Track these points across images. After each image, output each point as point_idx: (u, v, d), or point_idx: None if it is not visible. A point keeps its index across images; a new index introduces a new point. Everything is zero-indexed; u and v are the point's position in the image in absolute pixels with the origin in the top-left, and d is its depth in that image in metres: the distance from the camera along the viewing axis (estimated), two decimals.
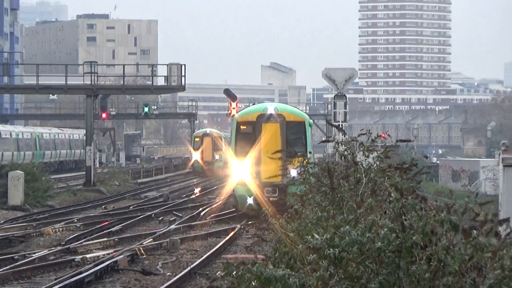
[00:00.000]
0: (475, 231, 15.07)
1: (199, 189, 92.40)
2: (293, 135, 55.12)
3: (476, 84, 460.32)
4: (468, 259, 14.25)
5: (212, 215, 61.47)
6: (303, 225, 18.89)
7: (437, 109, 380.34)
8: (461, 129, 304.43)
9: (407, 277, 13.89)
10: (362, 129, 31.49)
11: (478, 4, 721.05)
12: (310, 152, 53.91)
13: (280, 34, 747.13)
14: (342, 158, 26.06)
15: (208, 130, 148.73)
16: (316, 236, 14.99)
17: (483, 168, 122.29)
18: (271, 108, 55.34)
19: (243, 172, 53.56)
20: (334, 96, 59.65)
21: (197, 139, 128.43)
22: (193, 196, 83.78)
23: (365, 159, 24.83)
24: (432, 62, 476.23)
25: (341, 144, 28.14)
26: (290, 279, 14.99)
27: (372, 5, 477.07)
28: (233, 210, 63.15)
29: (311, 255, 14.83)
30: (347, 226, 14.79)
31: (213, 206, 67.00)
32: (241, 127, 55.82)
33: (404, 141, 46.19)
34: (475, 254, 14.43)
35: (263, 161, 52.74)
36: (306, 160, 34.82)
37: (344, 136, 30.43)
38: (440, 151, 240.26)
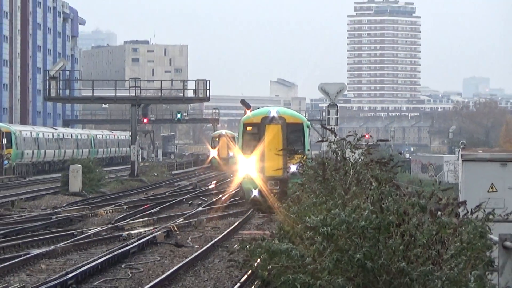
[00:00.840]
0: (439, 212, 15.06)
1: (215, 181, 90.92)
2: (293, 135, 52.31)
3: (440, 95, 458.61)
4: (434, 234, 14.26)
5: (228, 200, 60.30)
6: (302, 208, 18.84)
7: (409, 116, 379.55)
8: (428, 131, 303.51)
9: (385, 249, 13.82)
10: (350, 132, 31.58)
11: (442, 32, 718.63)
12: (308, 150, 52.83)
13: (285, 54, 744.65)
14: (334, 154, 26.02)
15: (223, 131, 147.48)
16: (312, 217, 14.95)
17: (446, 162, 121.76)
18: (273, 111, 53.05)
19: (249, 168, 51.19)
20: (328, 105, 57.82)
21: (215, 139, 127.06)
22: (212, 186, 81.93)
23: (352, 155, 24.76)
24: (405, 78, 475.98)
25: (333, 143, 28.05)
26: (292, 251, 15.01)
27: (358, 33, 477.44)
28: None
29: (308, 232, 14.80)
30: (337, 209, 14.75)
31: (228, 194, 64.62)
32: (247, 128, 52.99)
33: (383, 140, 46.73)
34: (439, 230, 14.41)
35: (267, 157, 50.84)
36: (305, 156, 35.15)
37: (335, 137, 30.34)
38: (411, 149, 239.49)
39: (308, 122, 55.92)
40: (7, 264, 31.36)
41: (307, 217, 15.50)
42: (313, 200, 18.51)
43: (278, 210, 33.48)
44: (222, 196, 63.23)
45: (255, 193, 50.37)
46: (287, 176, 48.23)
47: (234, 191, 64.05)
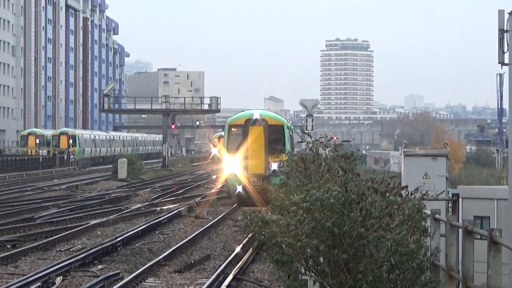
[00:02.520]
0: (387, 193, 15.02)
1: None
2: (274, 136, 44.45)
3: (388, 108, 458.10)
4: (384, 209, 14.20)
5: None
6: (288, 189, 18.46)
7: (365, 123, 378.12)
8: (379, 134, 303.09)
9: (348, 219, 13.72)
10: (321, 135, 31.28)
11: (388, 61, 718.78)
12: (292, 149, 44.51)
13: (274, 77, 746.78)
14: (311, 151, 25.98)
15: (223, 133, 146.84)
16: (296, 196, 14.92)
17: (392, 157, 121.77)
18: (256, 114, 45.07)
19: (234, 166, 43.61)
20: (306, 115, 53.41)
21: (215, 139, 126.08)
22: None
23: (324, 152, 24.72)
24: (362, 95, 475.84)
25: (310, 143, 27.99)
26: (280, 221, 14.92)
27: (328, 62, 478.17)
28: None
29: (292, 207, 14.72)
30: (314, 190, 14.69)
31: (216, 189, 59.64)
32: (232, 129, 45.11)
33: (346, 141, 47.95)
34: (387, 206, 14.38)
35: (250, 156, 43.55)
36: (285, 155, 34.06)
37: (311, 139, 30.48)
38: (367, 147, 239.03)
39: (289, 124, 48.33)
40: (73, 231, 31.64)
41: (292, 196, 15.43)
42: (296, 184, 18.46)
43: (261, 203, 36.25)
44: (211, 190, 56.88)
45: (239, 189, 42.98)
46: (269, 173, 42.87)
47: (220, 186, 54.71)
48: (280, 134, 44.37)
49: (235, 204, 43.46)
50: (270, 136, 43.80)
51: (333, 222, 13.88)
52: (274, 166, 41.24)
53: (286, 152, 35.72)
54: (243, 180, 42.64)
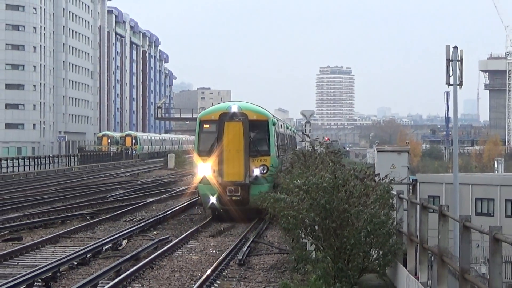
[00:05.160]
0: (365, 179, 14.94)
1: None
2: (256, 134, 27.10)
3: (365, 116, 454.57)
4: (362, 190, 14.18)
5: None
6: (292, 176, 17.97)
7: (348, 127, 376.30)
8: (359, 136, 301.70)
9: (336, 198, 13.61)
10: (317, 137, 31.30)
11: (365, 81, 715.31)
12: (279, 155, 28.65)
13: (282, 93, 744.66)
14: (309, 148, 25.92)
15: None
16: (298, 181, 14.91)
17: (368, 152, 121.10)
18: (234, 107, 26.88)
19: (206, 171, 26.22)
20: (305, 122, 51.00)
21: None
22: None
23: (319, 149, 24.65)
24: (347, 107, 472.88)
25: (308, 142, 27.88)
26: (287, 199, 14.88)
27: (321, 82, 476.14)
28: None
29: (296, 189, 14.68)
30: (311, 177, 14.64)
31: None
32: (204, 125, 27.17)
33: (334, 141, 45.94)
34: (365, 188, 14.32)
35: (226, 160, 25.82)
36: (269, 157, 25.65)
37: (309, 139, 30.24)
38: (350, 145, 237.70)
39: (274, 119, 28.32)
40: (135, 206, 31.61)
41: (295, 181, 15.43)
42: (298, 172, 18.27)
43: (241, 218, 25.37)
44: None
45: (213, 200, 25.85)
46: (249, 181, 25.70)
47: (192, 195, 36.44)
48: (263, 132, 27.02)
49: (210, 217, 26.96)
50: (252, 134, 26.65)
51: (325, 200, 13.75)
52: (256, 171, 25.56)
53: (271, 154, 25.79)
54: (217, 189, 25.85)
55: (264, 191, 21.25)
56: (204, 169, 25.81)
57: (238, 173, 25.63)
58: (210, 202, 25.69)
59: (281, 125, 32.74)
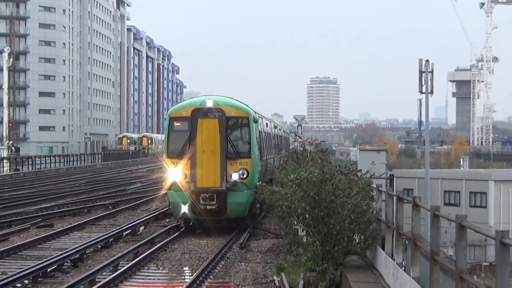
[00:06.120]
0: (348, 174, 14.94)
1: None
2: (235, 133, 19.62)
3: (349, 120, 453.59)
4: (346, 184, 14.18)
5: None
6: (287, 171, 17.73)
7: (335, 130, 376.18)
8: (343, 137, 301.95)
9: (324, 191, 13.59)
10: (307, 138, 30.96)
11: (349, 89, 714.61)
12: (263, 156, 22.10)
13: (278, 99, 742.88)
14: (300, 147, 25.80)
15: None
16: (291, 175, 14.87)
17: (351, 151, 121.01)
18: (209, 101, 19.24)
19: (177, 176, 18.96)
20: (297, 125, 49.93)
21: None
22: None
23: (309, 148, 24.57)
24: (333, 112, 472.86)
25: (299, 142, 27.71)
26: (281, 191, 14.81)
27: (311, 91, 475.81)
28: None
29: (289, 182, 14.65)
30: (302, 172, 14.60)
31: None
32: (175, 123, 19.52)
33: (323, 141, 45.40)
34: (349, 182, 14.29)
35: (199, 163, 18.95)
36: (250, 160, 19.15)
37: (301, 139, 29.94)
38: (336, 145, 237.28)
39: (256, 116, 20.50)
40: (150, 198, 31.32)
41: (289, 176, 15.29)
42: (291, 168, 18.13)
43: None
44: None
45: (184, 209, 19.01)
46: (227, 187, 19.05)
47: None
48: (243, 130, 19.76)
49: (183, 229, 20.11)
50: (230, 133, 19.53)
51: (314, 192, 13.69)
52: (235, 176, 19.11)
53: (253, 156, 19.37)
54: (189, 196, 19.02)
55: (243, 200, 18.21)
56: (174, 173, 18.80)
57: (213, 178, 18.84)
58: (182, 212, 18.87)
59: (266, 124, 25.46)
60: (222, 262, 15.72)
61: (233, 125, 19.48)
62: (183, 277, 14.05)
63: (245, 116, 19.52)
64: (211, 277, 14.17)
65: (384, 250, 13.17)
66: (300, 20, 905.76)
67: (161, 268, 14.99)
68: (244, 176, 18.74)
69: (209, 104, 19.29)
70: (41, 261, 14.32)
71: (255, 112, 20.71)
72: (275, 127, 30.54)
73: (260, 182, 19.99)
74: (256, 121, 20.06)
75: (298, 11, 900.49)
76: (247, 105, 20.32)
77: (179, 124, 19.38)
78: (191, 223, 19.84)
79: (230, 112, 19.31)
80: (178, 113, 19.55)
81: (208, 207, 18.76)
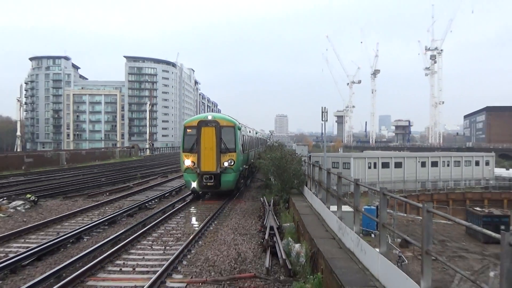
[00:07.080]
0: (292, 155, 16.90)
1: None
2: (226, 136, 18.24)
3: (293, 132, 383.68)
4: (292, 159, 15.89)
5: None
6: (266, 153, 19.08)
7: (286, 136, 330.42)
8: (290, 139, 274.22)
9: (281, 162, 15.61)
10: (275, 140, 28.97)
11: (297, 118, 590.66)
12: (244, 150, 20.30)
13: (280, 100, 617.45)
14: (274, 143, 25.96)
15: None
16: (268, 156, 16.91)
17: (293, 146, 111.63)
18: (209, 116, 18.64)
19: (189, 163, 18.07)
20: (271, 134, 33.93)
21: None
22: None
23: (276, 144, 25.20)
24: (285, 128, 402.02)
25: (272, 141, 27.81)
26: (264, 162, 16.97)
27: (277, 119, 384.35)
28: None
29: (268, 159, 16.56)
30: (274, 154, 16.61)
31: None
32: (188, 130, 18.38)
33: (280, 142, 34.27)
34: (292, 158, 16.11)
35: (202, 155, 17.99)
36: (235, 153, 18.11)
37: (272, 140, 29.08)
38: (287, 143, 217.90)
39: (240, 125, 19.78)
40: (160, 183, 24.75)
41: (268, 155, 17.16)
42: (268, 153, 19.19)
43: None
44: None
45: (194, 185, 18.26)
46: (220, 171, 18.24)
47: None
48: (231, 134, 18.90)
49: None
50: (222, 136, 18.82)
51: (277, 163, 15.83)
52: (226, 164, 18.44)
53: (237, 151, 18.53)
54: (196, 176, 18.48)
55: (231, 179, 17.57)
56: (187, 162, 18.40)
57: (212, 165, 18.17)
58: (192, 186, 18.43)
59: (249, 131, 24.52)
60: (223, 212, 15.86)
61: (224, 131, 18.59)
62: (207, 215, 14.69)
63: (232, 125, 18.61)
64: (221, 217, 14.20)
65: (307, 187, 14.81)
66: None
67: (191, 215, 15.09)
68: (232, 163, 17.93)
69: (209, 118, 18.74)
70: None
71: (239, 123, 20.13)
72: (256, 133, 30.14)
73: (244, 166, 19.45)
74: (239, 129, 19.34)
75: None
76: (235, 119, 19.47)
77: (190, 130, 18.59)
78: (197, 194, 19.24)
79: (223, 123, 18.57)
80: (189, 124, 18.73)
81: (208, 183, 18.11)
